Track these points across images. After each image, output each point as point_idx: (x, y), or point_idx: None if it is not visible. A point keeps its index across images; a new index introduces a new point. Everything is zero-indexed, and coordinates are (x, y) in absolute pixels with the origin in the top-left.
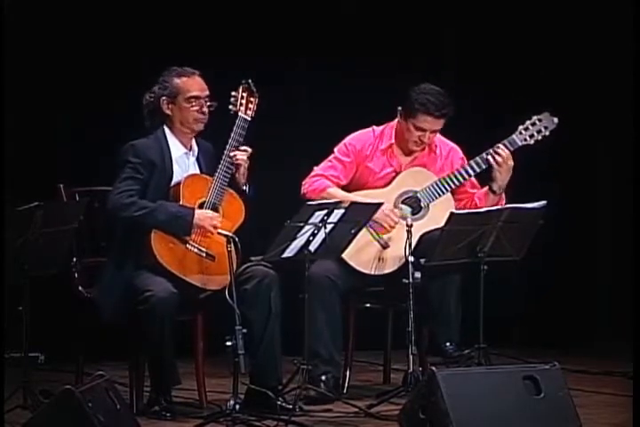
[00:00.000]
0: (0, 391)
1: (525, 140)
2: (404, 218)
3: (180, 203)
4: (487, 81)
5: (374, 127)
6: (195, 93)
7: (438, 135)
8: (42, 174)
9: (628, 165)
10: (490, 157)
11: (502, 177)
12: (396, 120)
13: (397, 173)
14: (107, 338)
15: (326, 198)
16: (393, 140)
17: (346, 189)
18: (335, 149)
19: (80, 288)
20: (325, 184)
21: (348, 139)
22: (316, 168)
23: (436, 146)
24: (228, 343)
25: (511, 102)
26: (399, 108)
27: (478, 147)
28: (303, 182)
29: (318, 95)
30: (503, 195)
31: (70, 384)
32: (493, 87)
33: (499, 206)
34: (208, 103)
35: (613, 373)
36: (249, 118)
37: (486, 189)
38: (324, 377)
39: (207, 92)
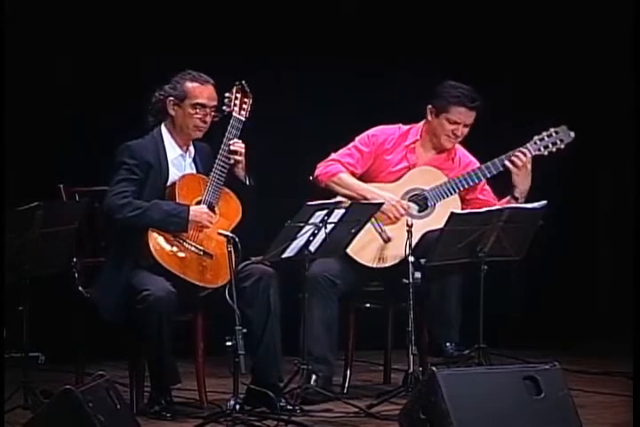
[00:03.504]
0: (0, 391)
1: (539, 150)
2: (410, 213)
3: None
4: (487, 81)
5: (401, 125)
6: (202, 101)
7: (461, 148)
8: (42, 174)
9: (628, 165)
10: (507, 162)
11: (521, 181)
12: (423, 122)
13: (409, 170)
14: (107, 338)
15: (337, 184)
16: (418, 137)
17: (358, 178)
18: (357, 138)
19: (80, 288)
20: (339, 169)
21: (372, 130)
22: (333, 154)
23: (455, 154)
24: (228, 343)
25: (511, 103)
26: (429, 106)
27: (482, 149)
28: (318, 165)
29: (318, 95)
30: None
31: (70, 384)
32: (493, 88)
33: (498, 206)
34: (213, 113)
35: (613, 373)
36: (243, 119)
37: (508, 197)
38: (314, 376)
39: (215, 103)
